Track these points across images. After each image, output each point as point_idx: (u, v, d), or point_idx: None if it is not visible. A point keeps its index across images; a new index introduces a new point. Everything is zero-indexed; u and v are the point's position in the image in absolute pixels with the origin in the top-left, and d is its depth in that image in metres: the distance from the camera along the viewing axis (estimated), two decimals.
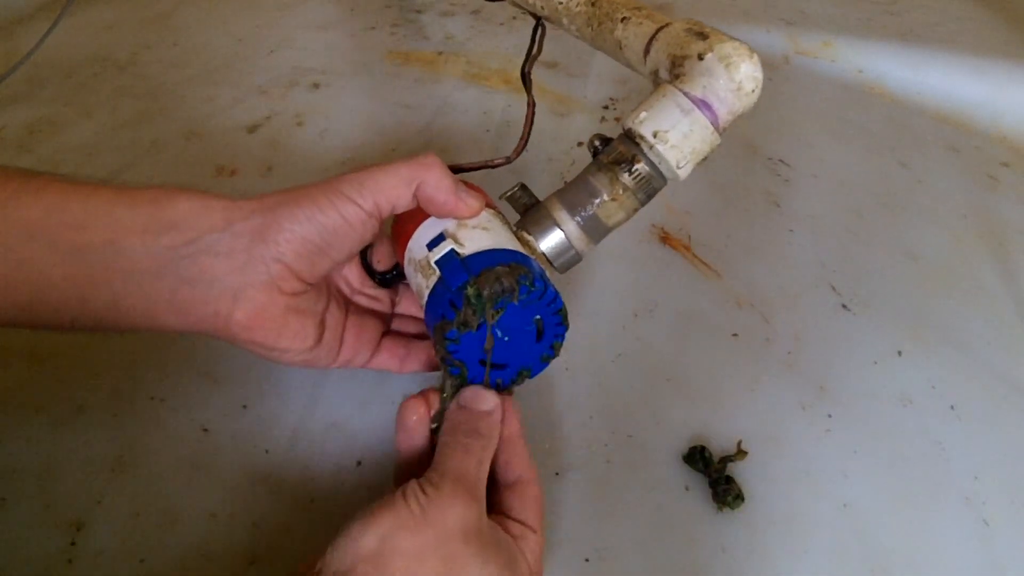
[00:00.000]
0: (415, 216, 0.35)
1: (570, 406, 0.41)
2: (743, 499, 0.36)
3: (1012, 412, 0.42)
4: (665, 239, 0.52)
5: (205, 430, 0.38)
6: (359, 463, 0.37)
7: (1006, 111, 0.66)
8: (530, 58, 0.44)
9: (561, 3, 0.41)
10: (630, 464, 0.38)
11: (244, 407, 0.39)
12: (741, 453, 0.38)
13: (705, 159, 0.34)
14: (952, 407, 0.42)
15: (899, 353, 0.45)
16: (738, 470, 0.38)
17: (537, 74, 0.44)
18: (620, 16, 0.37)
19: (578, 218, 0.35)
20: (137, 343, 0.42)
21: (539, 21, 0.45)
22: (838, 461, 0.39)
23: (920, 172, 0.61)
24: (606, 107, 0.66)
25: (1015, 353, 0.45)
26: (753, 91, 0.33)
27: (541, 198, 0.37)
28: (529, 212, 0.36)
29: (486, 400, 0.32)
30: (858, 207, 0.56)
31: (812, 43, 0.75)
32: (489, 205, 0.36)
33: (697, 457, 0.38)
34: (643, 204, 0.35)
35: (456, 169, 0.35)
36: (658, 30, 0.35)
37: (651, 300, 0.47)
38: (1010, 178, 0.61)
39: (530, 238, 0.35)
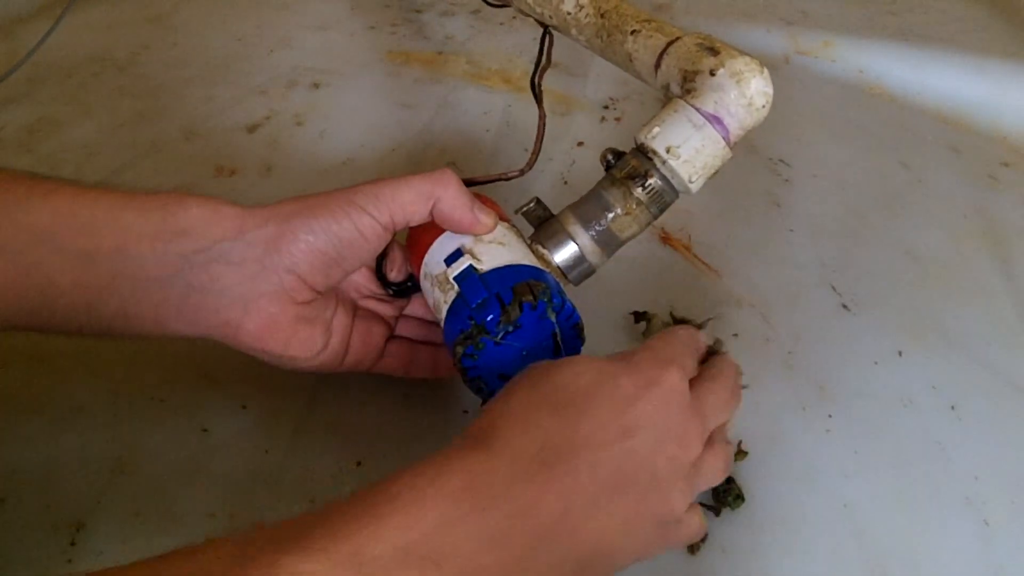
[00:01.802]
0: (430, 229, 0.35)
1: None
2: (743, 499, 0.36)
3: (1012, 412, 0.42)
4: (665, 239, 0.52)
5: (205, 430, 0.38)
6: (359, 463, 0.37)
7: (1006, 111, 0.66)
8: (539, 69, 0.43)
9: (570, 14, 0.41)
10: None
11: (244, 407, 0.39)
12: (741, 453, 0.38)
13: (716, 173, 0.34)
14: (952, 407, 0.42)
15: (899, 353, 0.45)
16: (738, 470, 0.38)
17: None
18: (630, 29, 0.37)
19: (592, 232, 0.35)
20: (137, 343, 0.42)
21: (546, 31, 0.45)
22: (838, 461, 0.39)
23: (920, 172, 0.61)
24: (606, 107, 0.66)
25: (1015, 353, 0.45)
26: (764, 106, 0.33)
27: (545, 199, 0.37)
28: (543, 225, 0.36)
29: None
30: (858, 207, 0.56)
31: (812, 43, 0.75)
32: (502, 217, 0.37)
33: None
34: (655, 217, 0.35)
35: (470, 182, 0.35)
36: (669, 44, 0.35)
37: (651, 300, 0.47)
38: (1010, 178, 0.61)
39: (545, 251, 0.35)
